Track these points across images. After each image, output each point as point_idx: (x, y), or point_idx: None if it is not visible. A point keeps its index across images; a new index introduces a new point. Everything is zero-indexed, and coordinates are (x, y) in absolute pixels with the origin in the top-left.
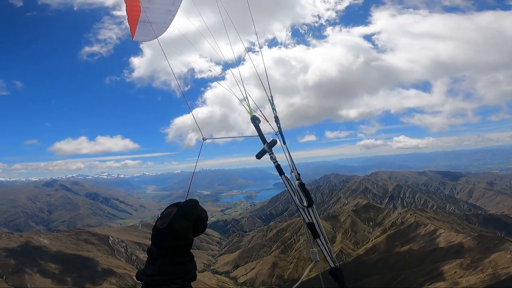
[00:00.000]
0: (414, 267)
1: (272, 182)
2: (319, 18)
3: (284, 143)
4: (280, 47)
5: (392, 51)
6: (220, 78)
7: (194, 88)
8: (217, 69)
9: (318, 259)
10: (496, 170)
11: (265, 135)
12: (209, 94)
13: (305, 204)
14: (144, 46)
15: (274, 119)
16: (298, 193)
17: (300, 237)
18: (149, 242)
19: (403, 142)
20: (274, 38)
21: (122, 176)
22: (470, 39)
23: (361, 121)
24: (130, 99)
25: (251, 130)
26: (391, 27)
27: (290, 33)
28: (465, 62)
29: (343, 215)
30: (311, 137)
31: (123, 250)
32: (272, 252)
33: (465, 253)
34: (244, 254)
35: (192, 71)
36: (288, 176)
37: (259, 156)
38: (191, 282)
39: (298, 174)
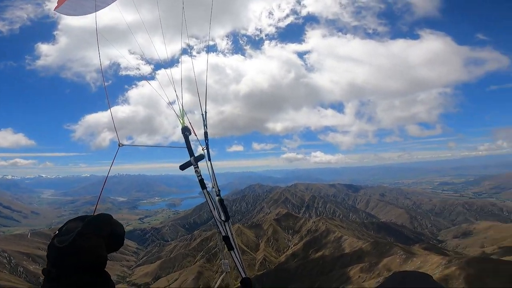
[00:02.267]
0: (328, 272)
1: (197, 190)
2: (261, 32)
3: (209, 159)
4: (218, 54)
5: (319, 71)
6: (149, 78)
7: (116, 84)
8: (148, 69)
9: (229, 269)
10: (387, 184)
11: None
12: (133, 93)
13: (223, 218)
14: (59, 33)
15: (203, 135)
16: (218, 208)
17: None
18: (40, 252)
19: (319, 157)
20: (215, 45)
21: (10, 177)
22: (381, 66)
23: (285, 135)
24: (28, 88)
25: (177, 135)
26: (321, 48)
27: (231, 41)
28: (372, 87)
29: (266, 223)
30: (239, 147)
31: (5, 261)
32: (196, 261)
33: (365, 258)
34: (165, 265)
35: (116, 66)
36: (210, 191)
37: (183, 167)
38: None
39: (219, 190)
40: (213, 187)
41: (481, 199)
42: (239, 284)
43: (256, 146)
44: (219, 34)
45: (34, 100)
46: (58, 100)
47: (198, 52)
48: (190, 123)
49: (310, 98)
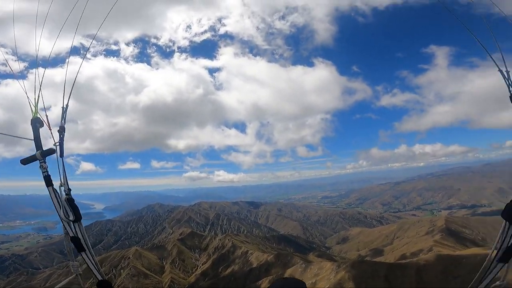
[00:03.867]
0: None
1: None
2: (174, 43)
3: (62, 156)
4: (119, 59)
5: (227, 90)
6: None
7: None
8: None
9: (80, 271)
10: (282, 200)
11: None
12: None
13: (71, 218)
14: None
15: (58, 129)
16: (64, 207)
17: (122, 271)
18: None
19: (222, 176)
20: (118, 50)
21: None
22: (281, 89)
23: (188, 153)
24: None
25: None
26: (231, 66)
27: (138, 48)
28: (272, 109)
29: (169, 244)
30: (134, 165)
31: None
32: None
33: (271, 270)
34: None
35: None
36: (57, 189)
37: (25, 161)
38: None
39: (69, 189)
40: (62, 186)
41: (351, 209)
42: (97, 286)
43: (155, 164)
44: (125, 39)
45: None
46: None
47: (95, 55)
48: (46, 116)
49: (215, 116)
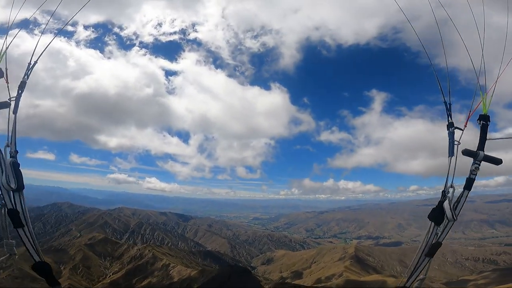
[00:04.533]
0: None
1: None
2: (137, 38)
3: (15, 112)
4: (69, 40)
5: (179, 95)
6: None
7: None
8: None
9: (16, 252)
10: (214, 216)
11: None
12: None
13: (12, 186)
14: None
15: (19, 84)
16: (8, 172)
17: (1, 271)
18: None
19: (153, 184)
20: (74, 31)
21: None
22: (233, 106)
23: (119, 153)
24: None
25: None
26: (189, 72)
27: (95, 34)
28: (219, 124)
29: (73, 248)
30: (48, 155)
31: None
32: None
33: (193, 285)
34: None
35: None
36: (2, 150)
37: None
38: None
39: (16, 151)
40: (8, 146)
41: (278, 232)
42: (32, 269)
43: (75, 158)
44: (86, 21)
45: None
46: None
47: (44, 33)
48: (6, 68)
49: (159, 120)
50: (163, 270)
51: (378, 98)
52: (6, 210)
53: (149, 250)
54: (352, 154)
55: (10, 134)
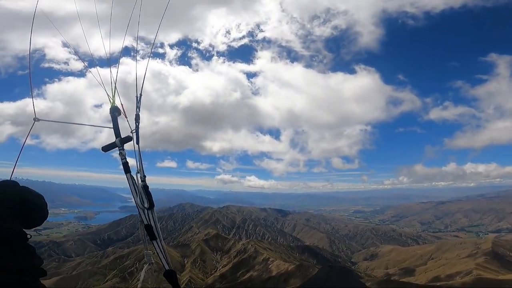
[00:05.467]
0: None
1: (117, 204)
2: (213, 48)
3: (138, 143)
4: (164, 61)
5: (264, 95)
6: (78, 74)
7: (35, 75)
8: (79, 65)
9: (152, 261)
10: (312, 211)
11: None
12: (53, 88)
13: (146, 205)
14: None
15: (134, 117)
16: (141, 193)
17: (144, 265)
18: None
19: (253, 182)
20: (164, 53)
21: None
22: (318, 96)
23: (222, 156)
24: None
25: (99, 141)
26: (268, 71)
27: (180, 51)
28: (307, 117)
29: (194, 243)
30: (171, 164)
31: None
32: (107, 280)
33: (290, 280)
34: (64, 282)
35: (40, 55)
36: (134, 176)
37: (106, 148)
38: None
39: (144, 176)
40: (138, 172)
41: (384, 225)
42: (163, 276)
43: (190, 164)
44: (169, 41)
45: None
46: None
47: (143, 57)
48: (121, 104)
49: (251, 121)
50: (263, 264)
51: (502, 62)
52: (144, 225)
53: (251, 245)
54: (479, 130)
55: (137, 162)
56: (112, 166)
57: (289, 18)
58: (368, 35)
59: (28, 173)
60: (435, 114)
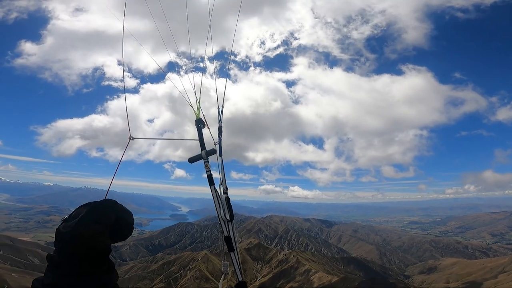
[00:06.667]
0: None
1: (168, 212)
2: (250, 60)
3: (221, 155)
4: (205, 74)
5: (304, 103)
6: (132, 91)
7: (97, 93)
8: (133, 82)
9: (228, 272)
10: (359, 221)
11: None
12: (113, 105)
13: (228, 217)
14: (46, 33)
15: (217, 130)
16: (223, 206)
17: (188, 272)
18: None
19: (296, 192)
20: (205, 67)
21: None
22: (363, 101)
23: (265, 167)
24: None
25: (152, 154)
26: (306, 78)
27: (219, 63)
28: (352, 123)
29: None
30: (216, 174)
31: None
32: (154, 285)
33: None
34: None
35: (100, 74)
36: (217, 188)
37: (192, 160)
38: None
39: (227, 188)
40: (221, 184)
41: (447, 237)
42: (235, 287)
43: (234, 175)
44: (208, 54)
45: (4, 99)
46: (29, 99)
47: (186, 72)
48: (204, 116)
49: (293, 131)
50: (304, 275)
51: None
52: (224, 237)
53: (293, 255)
54: None
55: (220, 174)
56: (164, 177)
57: (323, 24)
58: (413, 30)
59: (95, 183)
60: (503, 114)
